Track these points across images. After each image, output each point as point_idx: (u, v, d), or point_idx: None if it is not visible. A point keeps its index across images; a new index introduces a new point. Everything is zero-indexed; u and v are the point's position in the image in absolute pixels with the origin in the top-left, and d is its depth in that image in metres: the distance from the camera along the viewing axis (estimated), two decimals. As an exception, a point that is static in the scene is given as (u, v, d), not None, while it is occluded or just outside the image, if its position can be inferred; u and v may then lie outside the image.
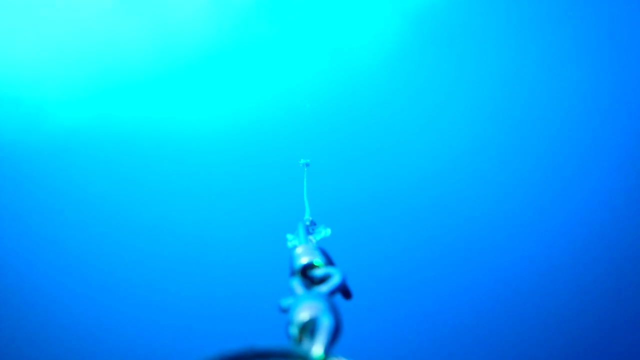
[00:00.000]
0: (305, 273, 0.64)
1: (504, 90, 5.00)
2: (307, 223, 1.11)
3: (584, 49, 4.82)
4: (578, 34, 4.80)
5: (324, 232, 1.02)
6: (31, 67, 4.80)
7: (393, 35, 5.02)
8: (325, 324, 0.47)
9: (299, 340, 0.48)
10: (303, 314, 0.49)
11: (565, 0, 4.75)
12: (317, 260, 0.65)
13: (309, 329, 0.48)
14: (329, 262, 0.67)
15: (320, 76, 5.19)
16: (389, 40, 5.04)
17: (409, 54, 5.08)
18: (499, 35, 4.93)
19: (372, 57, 5.10)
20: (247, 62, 5.18)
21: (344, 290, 0.61)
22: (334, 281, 0.59)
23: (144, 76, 5.03)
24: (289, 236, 0.96)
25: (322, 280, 0.62)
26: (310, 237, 0.97)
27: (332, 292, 0.57)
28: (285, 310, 0.53)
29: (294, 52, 5.18)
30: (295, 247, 0.73)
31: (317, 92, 5.18)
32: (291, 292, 0.58)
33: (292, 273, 0.65)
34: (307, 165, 2.10)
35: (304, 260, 0.65)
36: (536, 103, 4.95)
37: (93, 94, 5.00)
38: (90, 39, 4.81)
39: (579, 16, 4.76)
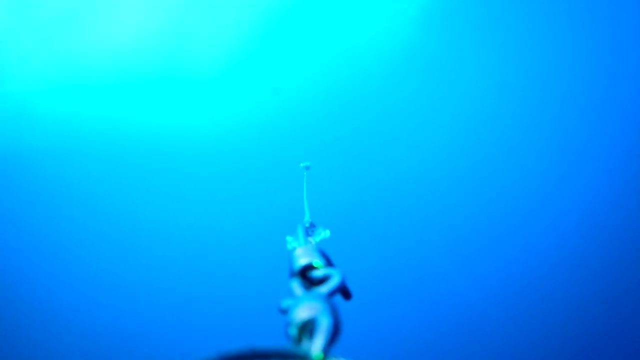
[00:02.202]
0: (305, 274, 0.65)
1: (515, 89, 4.98)
2: (307, 225, 1.11)
3: (591, 48, 4.81)
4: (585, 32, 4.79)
5: (323, 233, 1.03)
6: (21, 61, 4.81)
7: (396, 38, 5.02)
8: (324, 325, 0.47)
9: (298, 341, 0.48)
10: (302, 315, 0.49)
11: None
12: (317, 261, 0.66)
13: (308, 329, 0.48)
14: (328, 263, 0.68)
15: (320, 79, 5.20)
16: (392, 44, 5.04)
17: (412, 59, 5.08)
18: (511, 30, 4.90)
19: (373, 60, 5.11)
20: (245, 63, 5.19)
21: (343, 291, 0.61)
22: (334, 282, 0.59)
23: (143, 75, 5.04)
24: (289, 238, 0.96)
25: (322, 281, 0.62)
26: (310, 238, 0.98)
27: (331, 293, 0.58)
28: (284, 311, 0.54)
29: (293, 52, 5.19)
30: (294, 248, 0.73)
31: (316, 95, 5.18)
32: (290, 293, 0.59)
33: (292, 274, 0.65)
34: (308, 168, 2.11)
35: (303, 262, 0.66)
36: (549, 101, 4.93)
37: (94, 91, 5.00)
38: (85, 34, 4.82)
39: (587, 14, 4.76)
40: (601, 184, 4.98)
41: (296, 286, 0.60)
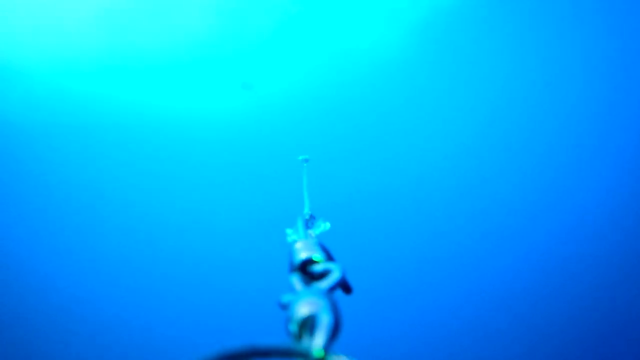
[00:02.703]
0: (305, 268, 0.64)
1: (507, 96, 5.00)
2: (307, 217, 1.10)
3: (588, 54, 4.82)
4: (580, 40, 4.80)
5: (323, 226, 1.02)
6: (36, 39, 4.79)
7: (397, 37, 5.01)
8: (325, 320, 0.47)
9: (299, 337, 0.48)
10: (302, 311, 0.49)
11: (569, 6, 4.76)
12: (317, 255, 0.65)
13: (308, 325, 0.48)
14: (329, 257, 0.67)
15: (320, 73, 5.18)
16: (393, 42, 5.03)
17: (412, 55, 5.08)
18: (503, 43, 4.93)
19: (374, 56, 5.09)
20: (249, 58, 5.18)
21: (344, 285, 0.60)
22: (334, 276, 0.59)
23: (146, 63, 5.03)
24: (289, 231, 0.95)
25: (322, 275, 0.61)
26: (310, 231, 0.97)
27: (331, 288, 0.57)
28: (284, 307, 0.53)
29: (295, 49, 5.18)
30: (294, 241, 0.73)
31: (316, 89, 5.17)
32: (290, 288, 0.58)
33: (292, 269, 0.65)
34: (307, 161, 2.09)
35: (303, 256, 0.65)
36: (539, 109, 4.96)
37: (102, 74, 4.98)
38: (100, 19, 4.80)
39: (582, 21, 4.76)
40: (601, 187, 4.98)
41: (296, 281, 0.60)
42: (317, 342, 0.44)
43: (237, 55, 5.13)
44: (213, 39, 5.03)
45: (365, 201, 5.16)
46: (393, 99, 5.15)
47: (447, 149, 5.10)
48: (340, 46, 5.13)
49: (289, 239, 0.91)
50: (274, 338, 0.44)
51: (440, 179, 5.12)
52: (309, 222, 1.07)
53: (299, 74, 5.20)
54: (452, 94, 5.06)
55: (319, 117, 5.18)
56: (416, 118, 5.16)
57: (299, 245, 0.69)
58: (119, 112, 5.05)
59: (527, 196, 5.08)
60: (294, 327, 0.48)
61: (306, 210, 1.25)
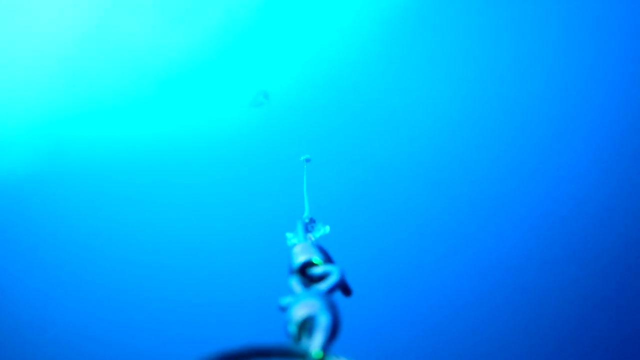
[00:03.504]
0: (304, 271, 0.64)
1: (483, 86, 5.02)
2: (306, 221, 1.11)
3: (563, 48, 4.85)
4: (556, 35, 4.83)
5: (323, 229, 1.02)
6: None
7: (381, 29, 5.03)
8: (323, 322, 0.47)
9: (298, 339, 0.48)
10: (301, 312, 0.49)
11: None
12: (316, 258, 0.65)
13: (307, 327, 0.48)
14: (328, 259, 0.67)
15: (316, 74, 5.19)
16: (379, 35, 5.05)
17: (402, 49, 5.08)
18: (476, 32, 4.95)
19: (366, 54, 5.10)
20: (242, 61, 5.19)
21: (343, 287, 0.61)
22: (333, 279, 0.59)
23: (130, 92, 5.06)
24: (289, 235, 0.96)
25: (321, 278, 0.62)
26: (309, 235, 0.98)
27: (330, 290, 0.57)
28: (284, 309, 0.54)
29: (284, 50, 5.19)
30: (294, 245, 0.73)
31: (315, 90, 5.18)
32: (290, 291, 0.59)
33: (291, 271, 0.65)
34: (308, 161, 2.08)
35: (302, 259, 0.65)
36: (516, 97, 4.97)
37: (81, 112, 5.04)
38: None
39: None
40: (581, 176, 4.99)
41: (295, 283, 0.60)
42: (316, 343, 0.45)
43: (220, 67, 5.14)
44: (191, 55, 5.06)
45: (364, 204, 5.16)
46: (387, 97, 5.15)
47: (444, 151, 5.10)
48: (315, 46, 5.14)
49: (289, 242, 0.92)
50: (274, 339, 0.44)
51: (437, 181, 5.12)
52: (309, 226, 1.08)
53: (293, 75, 5.21)
54: (424, 87, 5.08)
55: (315, 119, 5.20)
56: (411, 117, 5.16)
57: (298, 248, 0.70)
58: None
59: (499, 192, 5.08)
60: (293, 329, 0.49)
61: (306, 214, 1.25)
